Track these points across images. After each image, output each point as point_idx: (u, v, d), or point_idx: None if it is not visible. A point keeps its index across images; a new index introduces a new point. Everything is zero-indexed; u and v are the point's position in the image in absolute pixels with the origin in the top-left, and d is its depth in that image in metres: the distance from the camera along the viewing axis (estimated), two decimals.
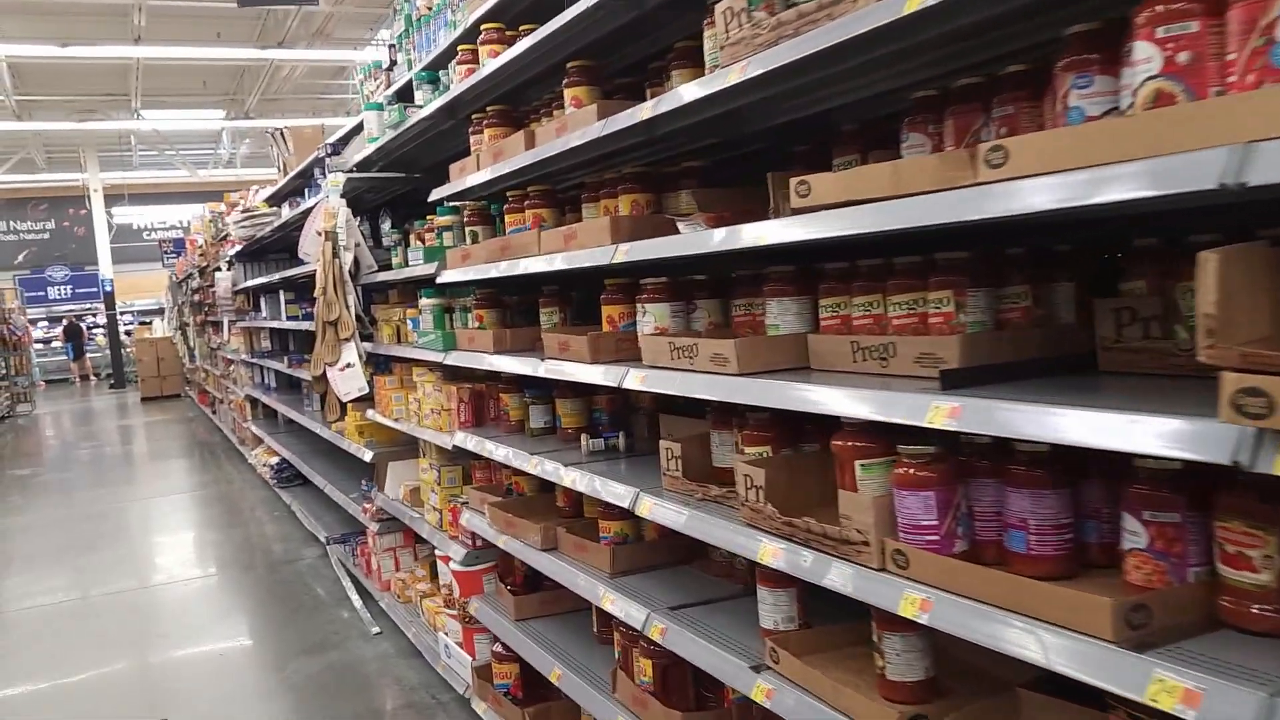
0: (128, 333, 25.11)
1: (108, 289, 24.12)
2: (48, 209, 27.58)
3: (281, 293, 8.23)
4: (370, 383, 5.43)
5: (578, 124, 3.02)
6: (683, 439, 2.74)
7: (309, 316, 7.64)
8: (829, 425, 2.33)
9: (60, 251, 27.75)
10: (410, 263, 4.61)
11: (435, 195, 4.24)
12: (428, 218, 4.80)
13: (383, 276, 5.32)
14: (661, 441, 2.77)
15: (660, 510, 2.65)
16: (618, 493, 2.87)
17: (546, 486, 4.09)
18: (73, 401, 22.61)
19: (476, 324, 4.15)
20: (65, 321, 26.33)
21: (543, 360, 3.33)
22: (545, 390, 3.92)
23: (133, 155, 24.10)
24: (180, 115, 21.72)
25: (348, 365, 5.40)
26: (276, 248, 10.58)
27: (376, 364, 5.60)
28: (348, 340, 5.41)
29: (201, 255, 14.20)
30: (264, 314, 9.65)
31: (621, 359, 3.00)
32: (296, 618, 6.07)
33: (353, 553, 6.42)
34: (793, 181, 2.04)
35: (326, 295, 5.40)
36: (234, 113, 21.89)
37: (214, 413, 15.20)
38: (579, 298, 4.07)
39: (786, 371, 2.33)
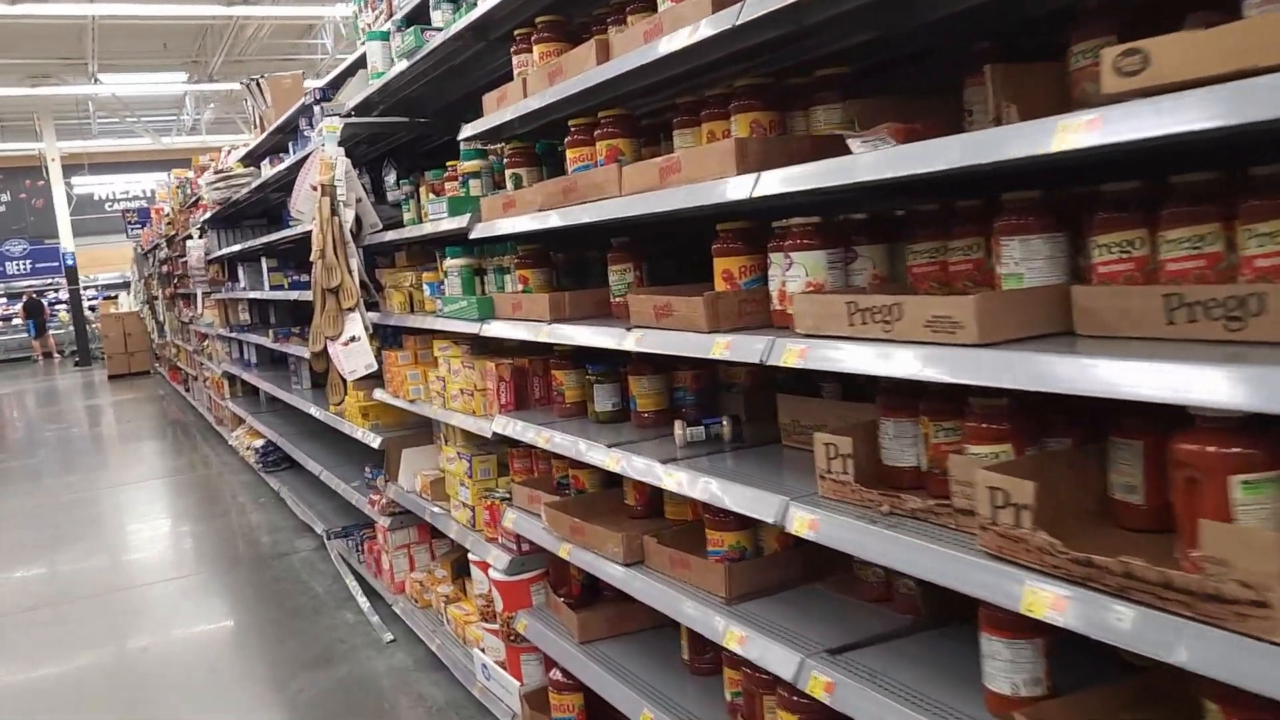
0: (92, 308, 24.00)
1: (69, 262, 22.97)
2: (3, 180, 26.27)
3: (264, 260, 7.43)
4: (379, 358, 4.68)
5: (681, 20, 2.29)
6: (850, 431, 2.05)
7: (297, 285, 6.86)
8: (1096, 414, 1.65)
9: (18, 225, 26.46)
10: (431, 216, 3.86)
11: (467, 133, 3.50)
12: (449, 164, 4.04)
13: (389, 236, 4.56)
14: (820, 436, 2.08)
15: (828, 527, 1.96)
16: (753, 503, 2.17)
17: (610, 480, 3.40)
18: (36, 380, 21.53)
19: (520, 286, 3.42)
20: (25, 297, 25.09)
21: (629, 330, 2.62)
22: (612, 366, 3.21)
23: (91, 122, 22.91)
24: (140, 80, 20.59)
25: (352, 339, 4.65)
26: (253, 212, 9.73)
27: (384, 337, 4.86)
28: (351, 310, 4.66)
29: (169, 224, 13.27)
30: (242, 284, 8.82)
31: (748, 325, 2.30)
32: (295, 623, 5.35)
33: (357, 548, 5.70)
34: (1109, 55, 1.34)
35: (326, 259, 4.64)
36: (197, 76, 20.79)
37: (187, 390, 14.33)
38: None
39: (1041, 339, 1.64)
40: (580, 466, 3.33)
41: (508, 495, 3.79)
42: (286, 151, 6.72)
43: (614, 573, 2.84)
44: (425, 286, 4.30)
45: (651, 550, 2.76)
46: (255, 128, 8.18)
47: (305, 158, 5.40)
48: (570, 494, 3.43)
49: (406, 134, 5.17)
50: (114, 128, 23.87)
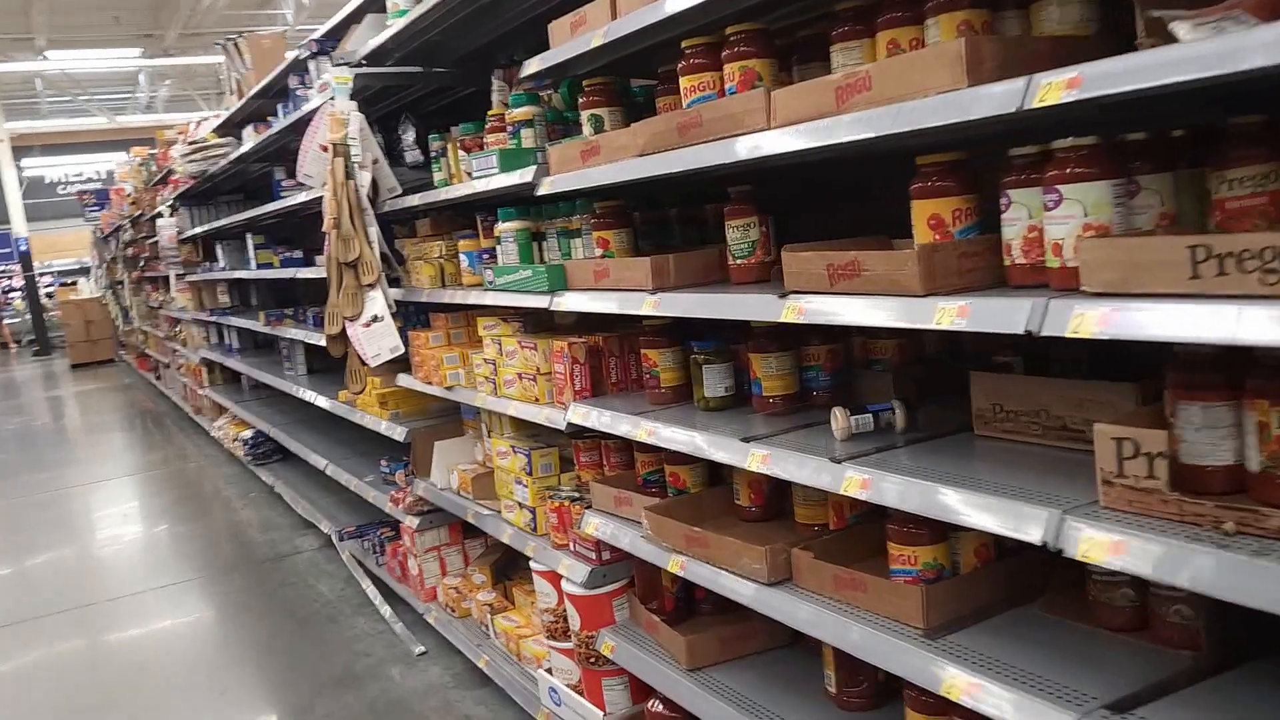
0: (49, 295, 22.95)
1: (23, 248, 21.88)
2: None
3: (248, 237, 6.77)
4: (404, 339, 4.10)
5: None
6: (1138, 420, 1.53)
7: (289, 262, 6.22)
8: None
9: None
10: (477, 173, 3.28)
11: (531, 68, 2.91)
12: (491, 115, 3.46)
13: (413, 200, 3.97)
14: (1101, 428, 1.56)
15: (1139, 552, 1.44)
16: (1007, 517, 1.65)
17: (713, 477, 2.87)
18: None
19: (599, 251, 2.87)
20: None
21: (783, 297, 2.08)
22: (721, 342, 2.68)
23: (40, 101, 21.78)
24: (91, 55, 19.52)
25: (374, 319, 4.06)
26: (229, 187, 9.04)
27: (406, 316, 4.27)
28: (372, 287, 4.07)
29: (133, 204, 12.46)
30: (222, 264, 8.15)
31: (970, 286, 1.77)
32: (309, 635, 4.78)
33: (375, 550, 5.12)
34: None
35: (341, 229, 4.04)
36: (151, 50, 19.77)
37: (158, 378, 13.56)
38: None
39: None
40: (681, 462, 2.79)
41: (577, 495, 3.25)
42: (275, 115, 6.06)
43: (749, 592, 2.31)
44: (462, 257, 3.72)
45: (804, 566, 2.24)
46: (232, 92, 7.49)
47: (305, 118, 4.77)
48: (657, 494, 2.90)
49: (423, 87, 4.56)
50: (65, 107, 22.74)
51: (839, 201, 2.88)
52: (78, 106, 22.29)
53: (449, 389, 3.82)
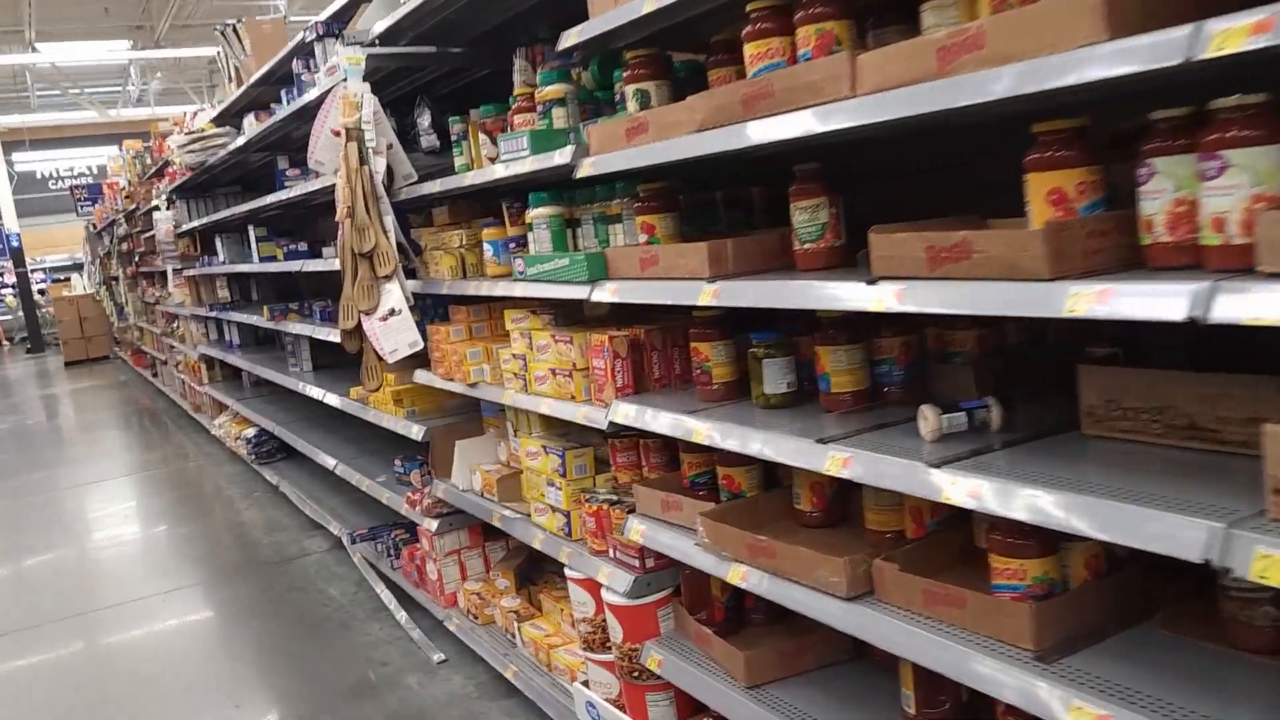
0: (41, 291, 22.63)
1: (14, 244, 21.55)
2: None
3: (250, 229, 6.53)
4: (422, 333, 3.88)
5: None
6: None
7: (294, 255, 5.99)
8: None
9: None
10: (504, 156, 3.06)
11: (569, 40, 2.69)
12: (518, 96, 3.23)
13: (433, 188, 3.74)
14: (1274, 429, 1.35)
15: None
16: (1159, 533, 1.44)
17: (769, 479, 2.66)
18: None
19: (644, 237, 2.65)
20: None
21: (872, 283, 1.86)
22: (778, 334, 2.47)
23: (30, 95, 21.45)
24: (82, 48, 19.19)
25: (392, 312, 3.84)
26: (227, 179, 8.79)
27: (425, 309, 4.05)
28: (388, 278, 3.85)
29: (127, 198, 12.19)
30: (221, 257, 7.91)
31: (1099, 268, 1.56)
32: (321, 642, 4.57)
33: (389, 553, 4.91)
34: None
35: (356, 218, 3.81)
36: (142, 43, 19.45)
37: (155, 375, 13.31)
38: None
39: None
40: (736, 463, 2.59)
41: (614, 498, 3.04)
42: (278, 103, 5.83)
43: (829, 609, 2.11)
44: (485, 246, 3.50)
45: (888, 579, 2.03)
46: (230, 80, 7.24)
47: (313, 104, 4.54)
48: (707, 497, 2.69)
49: (437, 69, 4.34)
50: (55, 100, 22.41)
51: (893, 180, 2.67)
52: (68, 100, 21.96)
53: (472, 386, 3.61)
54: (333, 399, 5.38)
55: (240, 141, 6.47)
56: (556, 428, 3.46)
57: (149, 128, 13.71)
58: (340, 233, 3.95)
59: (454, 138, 3.72)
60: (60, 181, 24.49)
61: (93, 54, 19.58)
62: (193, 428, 10.30)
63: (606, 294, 2.67)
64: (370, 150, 3.88)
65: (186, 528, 6.80)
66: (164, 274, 10.99)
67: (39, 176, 24.94)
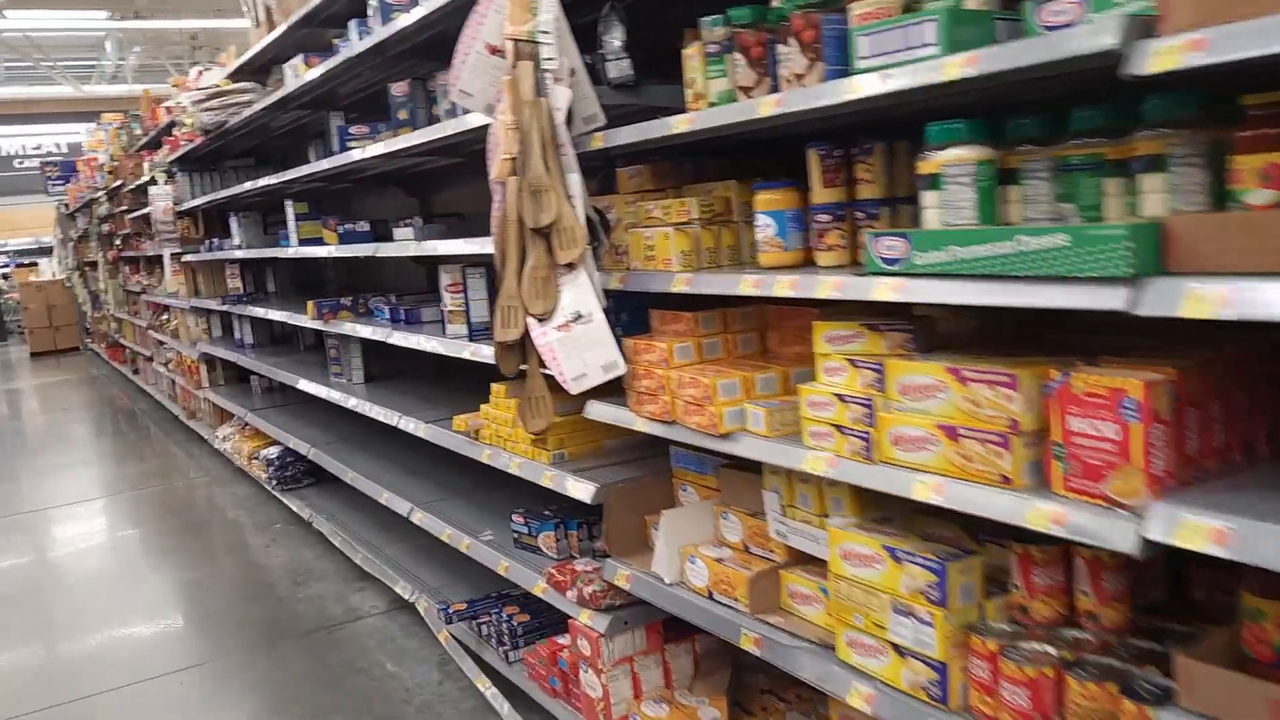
0: (5, 277, 20.75)
1: None
2: None
3: (290, 205, 5.10)
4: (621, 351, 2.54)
5: None
6: None
7: (351, 237, 4.60)
8: None
9: None
10: (872, 62, 1.74)
11: None
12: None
13: (669, 128, 2.41)
14: None
15: None
16: None
17: None
18: None
19: (1264, 195, 1.35)
20: None
21: None
22: None
23: None
24: (54, 16, 17.41)
25: (576, 318, 2.50)
26: (237, 149, 7.33)
27: (619, 316, 2.71)
28: (572, 268, 2.50)
29: (110, 173, 10.63)
30: (236, 240, 6.46)
31: None
32: None
33: (498, 639, 3.53)
34: None
35: (530, 175, 2.46)
36: (119, 13, 17.73)
37: (136, 372, 11.72)
38: None
39: None
40: None
41: (1031, 644, 1.73)
42: (324, 50, 4.43)
43: None
44: (762, 221, 2.18)
45: None
46: (259, 24, 5.81)
47: (410, 28, 3.19)
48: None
49: None
50: (24, 73, 20.53)
51: None
52: (39, 74, 20.11)
53: (725, 437, 2.27)
54: (409, 424, 4.00)
55: (279, 95, 5.05)
56: (873, 507, 2.14)
57: (124, 105, 12.19)
58: (498, 199, 2.59)
59: (625, 74, 2.40)
60: (27, 160, 22.54)
61: (68, 22, 17.81)
62: (187, 437, 8.79)
63: (1178, 302, 1.36)
64: (549, 76, 2.53)
65: (194, 572, 5.36)
66: (151, 259, 9.49)
67: (3, 154, 22.98)
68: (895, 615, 1.93)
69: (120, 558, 5.76)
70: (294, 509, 5.80)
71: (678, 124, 2.25)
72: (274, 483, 5.97)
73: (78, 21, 17.75)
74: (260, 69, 6.09)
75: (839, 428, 1.97)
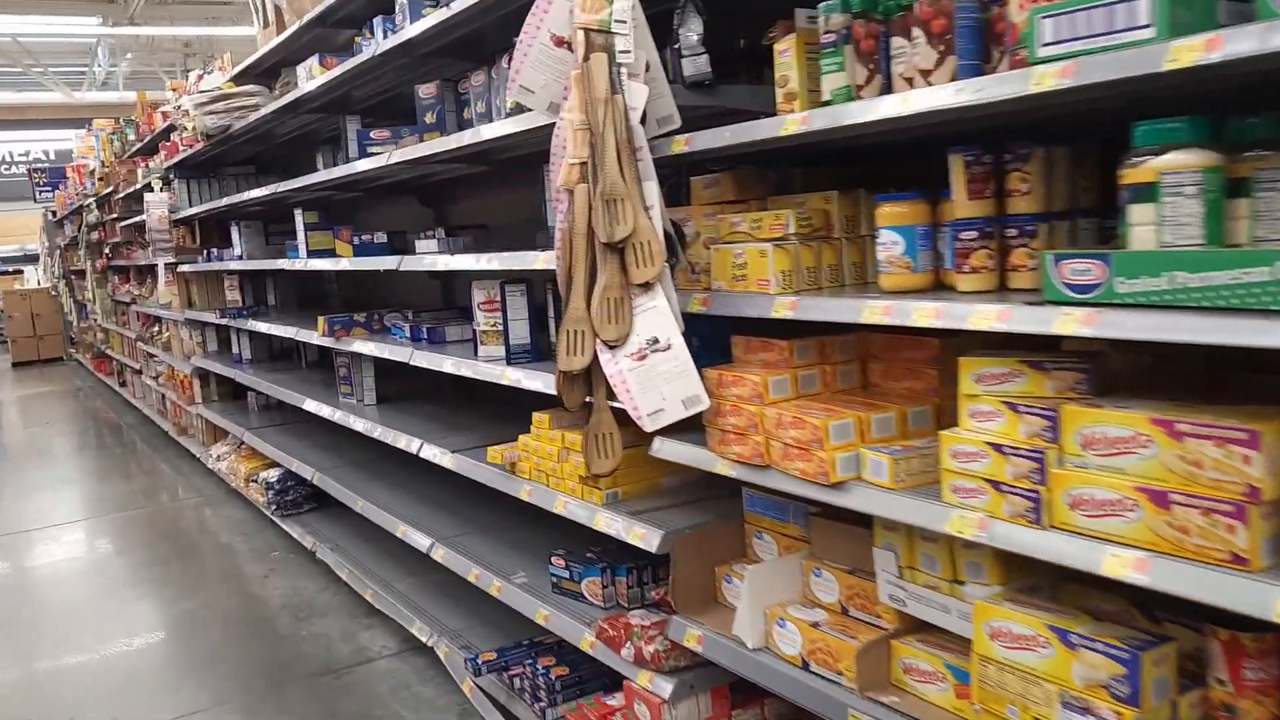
0: None
1: None
2: None
3: (299, 215, 4.76)
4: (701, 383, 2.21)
5: None
6: None
7: (370, 249, 4.25)
8: None
9: None
10: (1057, 46, 1.43)
11: None
12: None
13: (723, 140, 2.09)
14: None
15: None
16: None
17: None
18: None
19: None
20: None
21: None
22: None
23: None
24: (47, 22, 17.00)
25: (653, 345, 2.17)
26: (238, 157, 6.99)
27: (689, 341, 2.38)
28: (648, 287, 2.18)
29: (101, 180, 10.24)
30: (238, 251, 6.10)
31: None
32: None
33: (534, 694, 3.18)
34: None
35: (605, 183, 2.14)
36: (113, 19, 17.33)
37: (123, 384, 11.29)
38: None
39: None
40: None
41: None
42: (344, 51, 4.09)
43: None
44: (888, 236, 1.86)
45: None
46: (268, 25, 5.48)
47: (453, 19, 2.87)
48: None
49: None
50: (11, 80, 20.09)
51: None
52: (28, 80, 19.67)
53: (837, 487, 1.94)
54: (431, 453, 3.65)
55: (291, 97, 4.71)
56: (1018, 573, 1.81)
57: (116, 112, 11.79)
58: (562, 209, 2.26)
59: (707, 69, 2.08)
60: (14, 166, 22.04)
61: (60, 28, 17.40)
62: (178, 454, 8.38)
63: None
64: (624, 71, 2.21)
65: (186, 604, 4.97)
66: (142, 269, 9.11)
67: None
68: (1066, 711, 1.60)
69: (105, 586, 5.35)
70: (295, 536, 5.43)
71: (790, 125, 1.93)
72: (273, 507, 5.59)
73: (69, 27, 17.35)
74: (267, 72, 5.76)
75: (994, 483, 1.65)
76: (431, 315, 4.38)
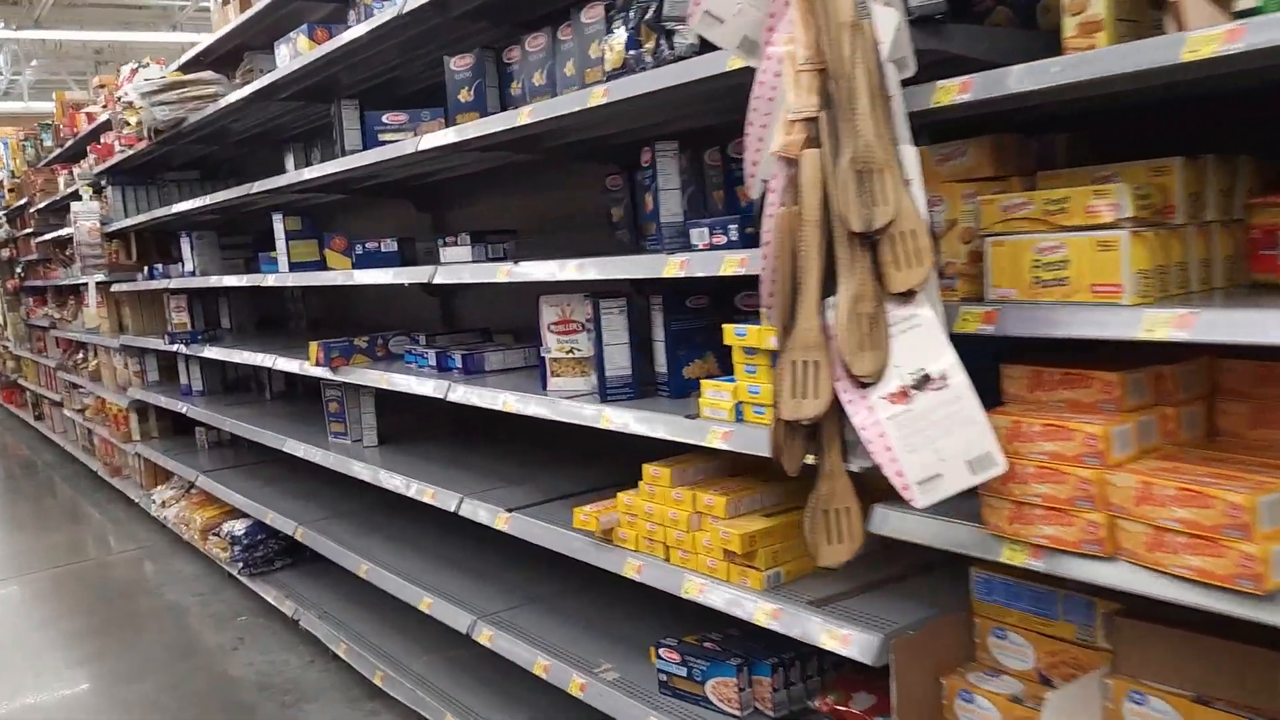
0: None
1: None
2: None
3: (280, 220, 3.90)
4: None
5: None
6: None
7: (370, 259, 3.44)
8: None
9: None
10: None
11: None
12: None
13: (1033, 81, 1.42)
14: None
15: None
16: None
17: None
18: None
19: None
20: None
21: None
22: None
23: None
24: None
25: (924, 383, 1.47)
26: (180, 159, 6.06)
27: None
28: (908, 297, 1.48)
29: (12, 192, 9.09)
30: (189, 266, 5.17)
31: None
32: None
33: None
34: None
35: (858, 144, 1.44)
36: (17, 23, 15.96)
37: (39, 418, 10.07)
38: None
39: None
40: None
41: None
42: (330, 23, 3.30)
43: None
44: None
45: None
46: (225, 2, 4.61)
47: None
48: None
49: None
50: None
51: None
52: None
53: (1272, 598, 1.26)
54: (478, 512, 2.85)
55: (269, 79, 3.86)
56: None
57: (20, 123, 10.61)
58: (777, 185, 1.55)
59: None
60: None
61: None
62: (108, 497, 7.30)
63: None
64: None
65: (138, 687, 4.06)
66: (63, 289, 8.04)
67: None
68: None
69: (25, 667, 4.36)
70: (270, 600, 4.53)
71: (1202, 44, 1.24)
72: (240, 565, 4.68)
73: None
74: (223, 59, 4.90)
75: None
76: (448, 339, 3.59)
